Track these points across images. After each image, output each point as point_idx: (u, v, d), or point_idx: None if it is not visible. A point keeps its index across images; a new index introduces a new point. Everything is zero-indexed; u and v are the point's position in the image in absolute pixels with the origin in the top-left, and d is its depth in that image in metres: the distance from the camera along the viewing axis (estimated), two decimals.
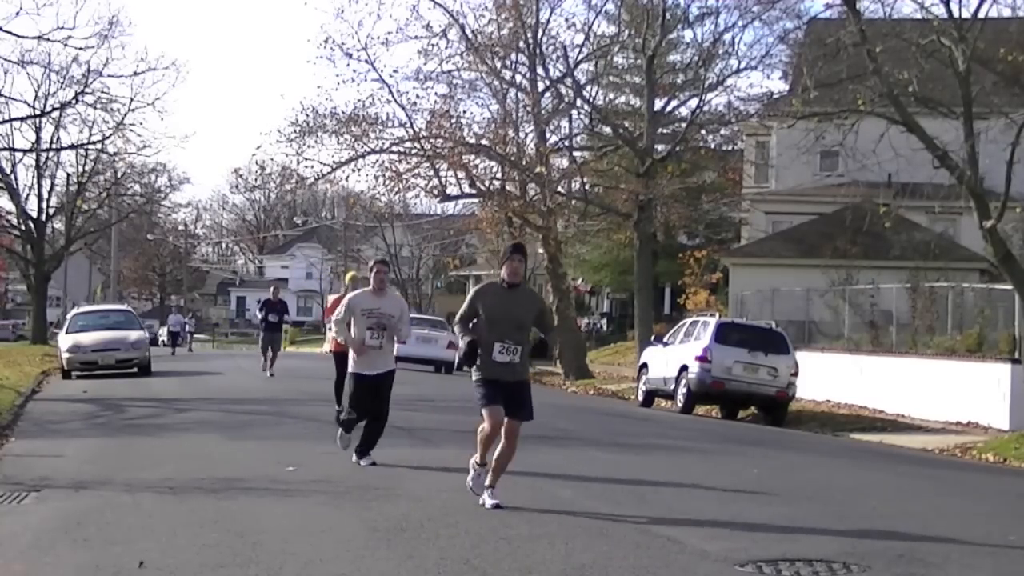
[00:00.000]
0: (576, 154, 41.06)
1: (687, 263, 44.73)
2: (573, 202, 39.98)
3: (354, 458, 12.00)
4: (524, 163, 37.41)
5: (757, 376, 23.81)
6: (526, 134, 38.92)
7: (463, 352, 9.65)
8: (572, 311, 41.10)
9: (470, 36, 36.79)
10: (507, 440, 9.62)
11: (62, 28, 53.89)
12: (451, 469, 11.66)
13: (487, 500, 9.50)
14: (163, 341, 61.33)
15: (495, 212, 38.63)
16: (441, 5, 36.73)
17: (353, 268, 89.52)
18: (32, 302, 56.14)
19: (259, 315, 27.93)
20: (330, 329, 14.84)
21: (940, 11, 22.44)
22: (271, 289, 28.86)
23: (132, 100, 43.07)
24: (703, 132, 39.90)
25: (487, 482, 9.64)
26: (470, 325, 9.73)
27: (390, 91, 36.91)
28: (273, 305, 26.82)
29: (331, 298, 17.08)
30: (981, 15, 22.47)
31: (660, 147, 38.47)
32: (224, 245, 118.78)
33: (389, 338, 11.88)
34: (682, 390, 24.37)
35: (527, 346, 9.74)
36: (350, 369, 12.02)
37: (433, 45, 36.35)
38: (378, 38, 42.96)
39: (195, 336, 57.48)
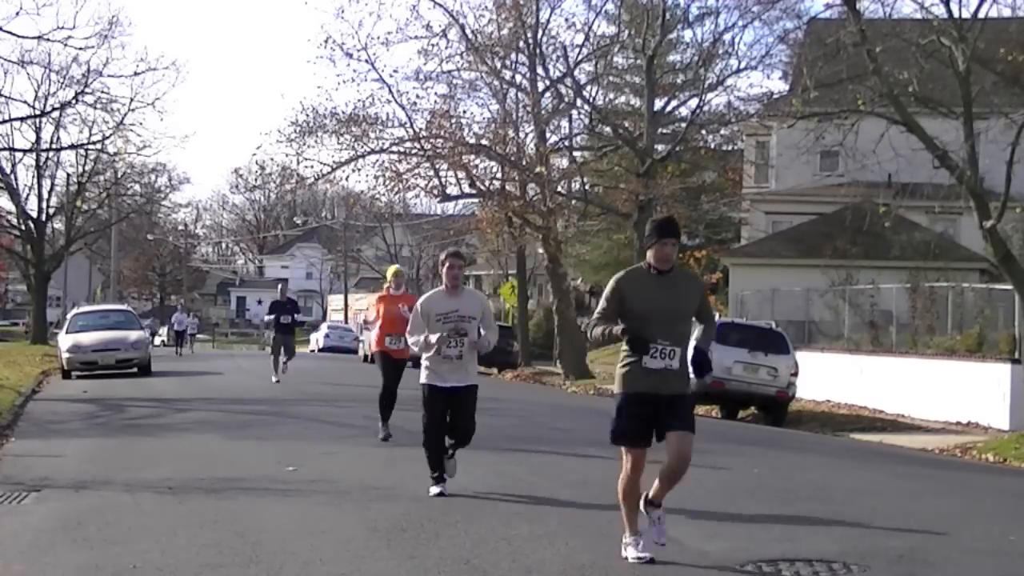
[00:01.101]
0: (576, 154, 41.09)
1: (687, 263, 44.73)
2: (573, 202, 40.01)
3: (433, 490, 10.10)
4: (524, 163, 37.42)
5: (757, 376, 23.81)
6: (526, 134, 38.97)
7: (630, 343, 7.44)
8: (572, 311, 41.10)
9: (470, 36, 36.81)
10: (674, 459, 7.42)
11: (62, 28, 53.95)
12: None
13: (657, 535, 7.49)
14: (163, 341, 61.17)
15: (495, 212, 38.63)
16: (441, 5, 36.77)
17: (353, 267, 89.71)
18: (32, 302, 56.18)
19: (267, 318, 25.99)
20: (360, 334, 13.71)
21: (940, 11, 22.47)
22: (279, 288, 27.46)
23: (132, 100, 43.28)
24: (703, 132, 39.93)
25: (651, 493, 7.50)
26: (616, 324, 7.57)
27: (390, 91, 36.96)
28: (283, 305, 25.13)
29: (373, 298, 15.01)
30: (981, 15, 22.50)
31: (660, 147, 38.50)
32: (224, 245, 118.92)
33: (470, 346, 10.08)
34: None
35: (687, 347, 7.61)
36: (423, 379, 10.17)
37: (433, 45, 36.40)
38: (378, 38, 43.01)
39: (196, 336, 57.05)
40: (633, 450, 7.49)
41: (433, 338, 9.91)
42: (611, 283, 7.63)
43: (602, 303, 7.62)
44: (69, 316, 33.15)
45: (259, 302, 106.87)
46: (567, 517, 9.12)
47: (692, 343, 7.78)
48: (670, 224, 7.63)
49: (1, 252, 57.83)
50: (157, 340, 59.47)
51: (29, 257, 53.20)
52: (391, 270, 14.78)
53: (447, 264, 10.14)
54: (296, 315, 25.51)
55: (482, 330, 10.20)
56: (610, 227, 42.30)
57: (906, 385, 24.74)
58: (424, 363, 10.17)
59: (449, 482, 10.19)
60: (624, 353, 7.53)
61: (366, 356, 44.15)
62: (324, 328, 58.60)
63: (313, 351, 54.74)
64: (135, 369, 28.98)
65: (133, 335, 30.01)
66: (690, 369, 7.63)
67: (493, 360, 38.75)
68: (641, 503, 7.53)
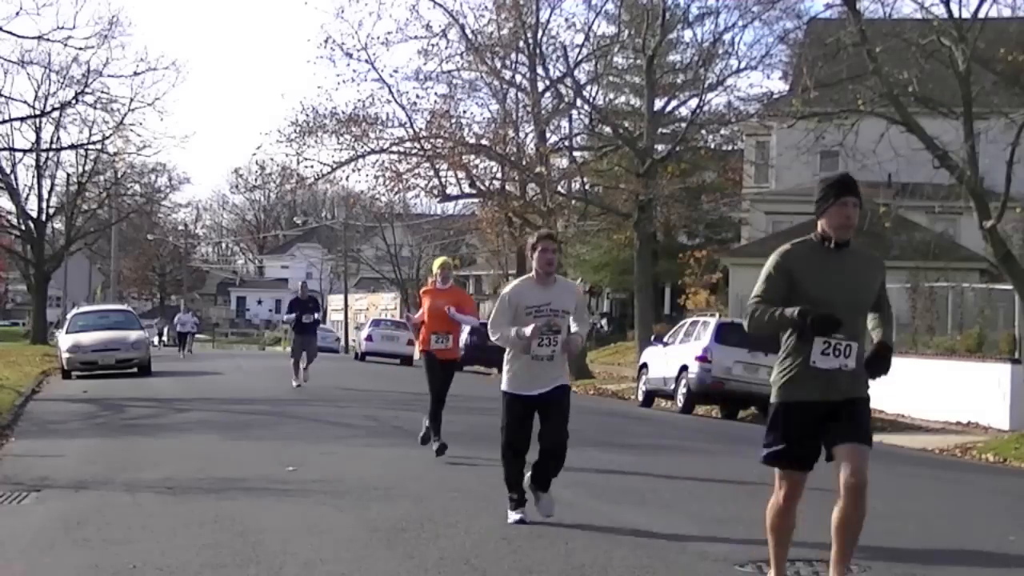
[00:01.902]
0: (576, 154, 41.10)
1: (687, 263, 44.74)
2: (573, 202, 40.00)
3: (512, 516, 8.89)
4: (524, 163, 37.45)
5: (757, 376, 23.76)
6: (526, 134, 38.99)
7: (812, 322, 5.83)
8: None
9: (470, 36, 36.83)
10: (848, 494, 5.81)
11: (62, 28, 53.64)
12: (452, 469, 11.67)
13: None
14: (163, 342, 61.06)
15: (495, 212, 38.67)
16: (441, 5, 36.78)
17: (353, 267, 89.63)
18: (32, 302, 56.18)
19: (287, 317, 24.60)
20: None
21: (940, 11, 22.45)
22: (300, 285, 26.28)
23: (132, 100, 43.38)
24: (703, 132, 39.94)
25: (832, 563, 6.04)
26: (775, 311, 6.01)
27: (390, 91, 36.98)
28: (304, 304, 23.95)
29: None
30: (981, 15, 22.47)
31: (660, 147, 38.48)
32: (224, 245, 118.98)
33: (563, 345, 8.66)
34: (682, 390, 24.39)
35: (864, 343, 6.15)
36: (504, 387, 8.82)
37: (433, 45, 36.41)
38: (378, 38, 42.94)
39: (195, 337, 56.85)
40: (791, 474, 6.06)
41: (528, 330, 8.44)
42: (772, 259, 6.08)
43: (760, 285, 6.09)
44: (69, 316, 33.14)
45: (259, 302, 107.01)
46: (567, 517, 9.11)
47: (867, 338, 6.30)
48: (850, 180, 5.98)
49: (1, 252, 57.84)
50: (157, 340, 59.41)
51: (29, 257, 53.22)
52: (438, 262, 13.33)
53: (539, 248, 8.61)
54: (318, 313, 24.62)
55: (573, 325, 8.73)
56: (610, 227, 42.23)
57: (906, 385, 24.66)
58: (507, 366, 8.81)
59: (448, 482, 10.16)
60: (786, 351, 6.04)
61: (357, 354, 44.24)
62: None
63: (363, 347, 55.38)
64: (135, 369, 28.99)
65: (133, 335, 30.01)
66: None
67: (494, 360, 38.80)
68: None
